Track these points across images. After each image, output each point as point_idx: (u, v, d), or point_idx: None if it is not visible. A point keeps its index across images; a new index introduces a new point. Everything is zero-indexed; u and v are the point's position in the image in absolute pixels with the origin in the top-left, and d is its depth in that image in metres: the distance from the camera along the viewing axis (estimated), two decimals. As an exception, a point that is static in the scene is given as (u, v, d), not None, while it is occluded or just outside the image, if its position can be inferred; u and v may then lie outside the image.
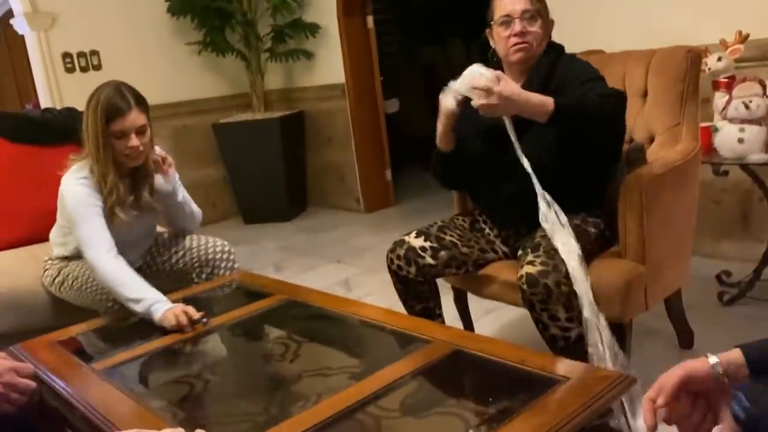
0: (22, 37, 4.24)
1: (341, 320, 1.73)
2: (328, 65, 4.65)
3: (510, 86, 1.63)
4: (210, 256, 2.23)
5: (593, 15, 3.09)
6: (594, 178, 1.85)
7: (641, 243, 1.75)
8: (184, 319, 1.68)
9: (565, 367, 1.25)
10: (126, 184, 2.04)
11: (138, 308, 1.77)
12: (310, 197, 5.11)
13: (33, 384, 1.43)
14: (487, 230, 1.99)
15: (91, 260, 1.92)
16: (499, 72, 1.65)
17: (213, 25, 4.59)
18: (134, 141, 1.97)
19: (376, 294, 2.98)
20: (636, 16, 3.01)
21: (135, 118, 1.96)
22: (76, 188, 1.98)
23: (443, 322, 1.98)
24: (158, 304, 1.74)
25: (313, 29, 4.56)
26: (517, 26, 1.80)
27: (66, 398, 1.37)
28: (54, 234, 2.22)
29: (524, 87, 1.71)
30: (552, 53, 1.86)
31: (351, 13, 4.49)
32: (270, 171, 4.64)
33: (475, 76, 1.66)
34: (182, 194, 2.29)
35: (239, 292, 2.05)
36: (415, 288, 1.91)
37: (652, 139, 2.04)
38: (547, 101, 1.62)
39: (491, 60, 1.94)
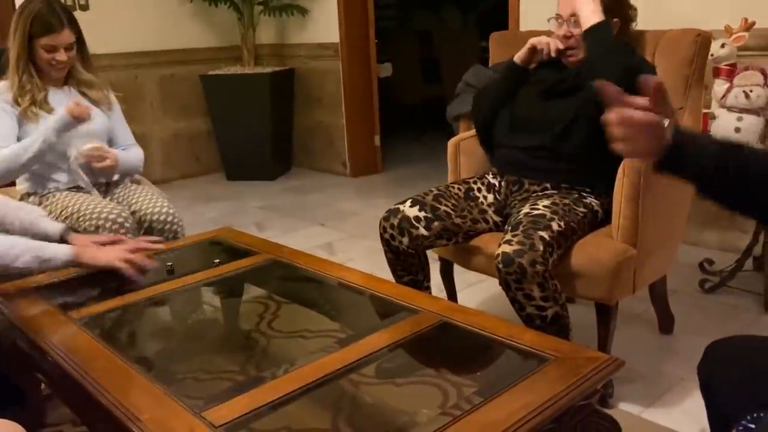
0: (6, -31, 4.05)
1: (326, 284, 1.70)
2: (323, 23, 4.53)
3: None
4: (149, 217, 2.08)
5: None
6: (603, 160, 1.83)
7: (635, 226, 1.73)
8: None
9: (552, 345, 1.24)
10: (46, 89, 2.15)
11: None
12: (296, 157, 5.04)
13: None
14: (481, 198, 1.96)
15: None
16: None
17: (207, -28, 4.44)
18: (62, 56, 2.08)
19: (359, 259, 2.95)
20: (642, -5, 2.95)
21: (66, 36, 2.07)
22: None
23: (430, 293, 1.96)
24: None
25: (310, -15, 4.44)
26: (562, 29, 1.90)
27: (40, 346, 1.33)
28: None
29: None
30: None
31: (350, -29, 4.37)
32: (257, 127, 4.55)
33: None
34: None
35: (222, 248, 2.00)
36: (406, 259, 1.89)
37: (651, 122, 2.01)
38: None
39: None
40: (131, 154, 2.29)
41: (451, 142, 2.21)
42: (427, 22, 6.62)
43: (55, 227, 1.70)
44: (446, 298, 2.21)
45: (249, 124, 4.53)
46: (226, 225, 2.17)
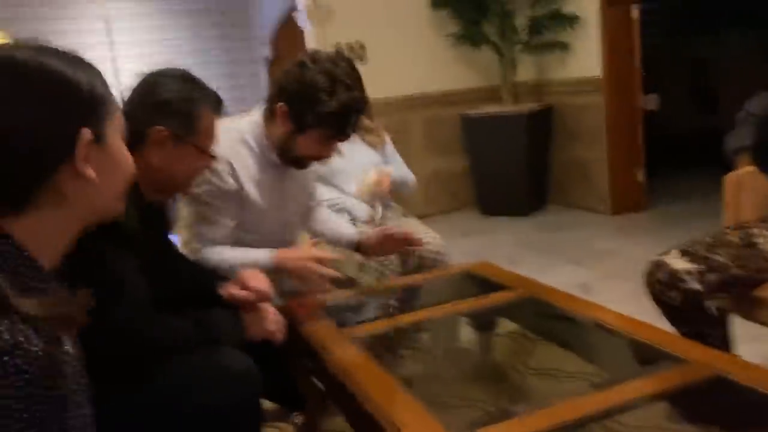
0: (302, 30, 4.75)
1: (582, 324, 1.65)
2: (584, 58, 4.45)
3: None
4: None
5: None
6: None
7: None
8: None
9: None
10: None
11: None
12: (552, 194, 4.97)
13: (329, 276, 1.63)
14: (765, 245, 1.74)
15: None
16: None
17: (471, 17, 4.68)
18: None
19: (619, 302, 2.76)
20: None
21: None
22: None
23: (716, 346, 1.79)
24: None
25: (572, 20, 4.41)
26: None
27: (321, 357, 1.51)
28: None
29: None
30: None
31: (615, 2, 4.24)
32: (512, 164, 4.61)
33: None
34: None
35: (478, 281, 2.07)
36: (681, 314, 1.73)
37: None
38: None
39: None
40: (404, 170, 2.48)
41: (729, 178, 2.00)
42: (702, 49, 6.10)
43: (266, 257, 1.70)
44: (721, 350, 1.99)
45: (505, 161, 4.61)
46: (480, 259, 2.23)
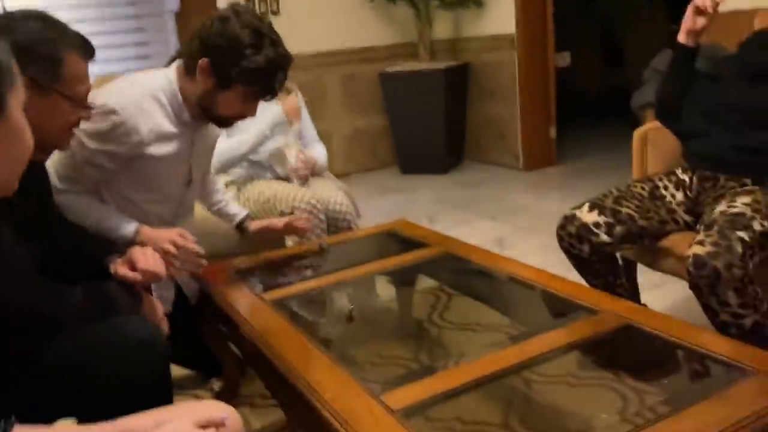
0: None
1: (498, 278, 1.68)
2: (499, 15, 4.47)
3: None
4: (326, 206, 2.14)
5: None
6: None
7: None
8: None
9: (753, 356, 1.12)
10: None
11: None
12: (468, 151, 5.04)
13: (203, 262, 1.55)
14: (669, 197, 1.82)
15: None
16: None
17: (386, -29, 4.59)
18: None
19: (531, 255, 2.87)
20: None
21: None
22: None
23: (623, 295, 1.87)
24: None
25: (486, -24, 4.41)
26: None
27: (237, 323, 1.46)
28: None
29: None
30: None
31: (527, -41, 4.27)
32: (430, 122, 4.62)
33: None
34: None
35: (397, 239, 2.07)
36: (590, 265, 1.80)
37: None
38: None
39: None
40: (321, 156, 2.43)
41: (637, 134, 2.08)
42: (610, 8, 6.28)
43: (129, 228, 1.60)
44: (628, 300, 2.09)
45: (423, 119, 4.61)
46: (399, 217, 2.23)
